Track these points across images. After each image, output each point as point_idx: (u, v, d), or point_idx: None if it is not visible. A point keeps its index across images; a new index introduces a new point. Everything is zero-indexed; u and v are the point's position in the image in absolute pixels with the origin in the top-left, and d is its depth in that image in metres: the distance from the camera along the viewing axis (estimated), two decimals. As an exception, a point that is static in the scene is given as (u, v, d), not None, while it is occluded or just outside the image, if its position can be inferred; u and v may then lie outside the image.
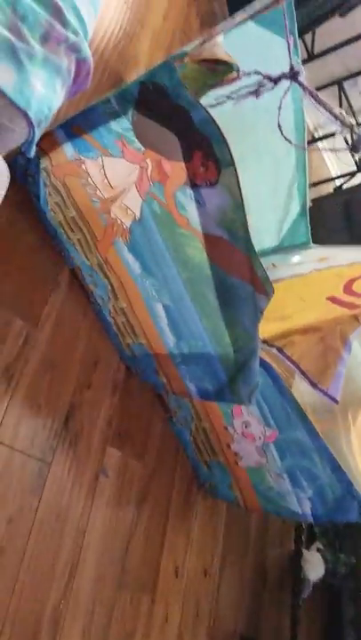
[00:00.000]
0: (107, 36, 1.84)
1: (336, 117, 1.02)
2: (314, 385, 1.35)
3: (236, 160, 1.01)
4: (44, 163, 1.34)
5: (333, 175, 4.15)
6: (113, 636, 1.48)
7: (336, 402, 1.38)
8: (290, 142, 1.28)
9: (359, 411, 1.70)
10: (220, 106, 1.25)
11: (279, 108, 1.15)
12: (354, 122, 1.09)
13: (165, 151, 1.13)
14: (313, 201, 3.07)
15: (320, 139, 3.65)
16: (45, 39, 0.87)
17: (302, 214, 1.78)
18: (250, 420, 1.59)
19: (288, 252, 1.73)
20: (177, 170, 1.12)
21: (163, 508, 1.79)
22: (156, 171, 1.16)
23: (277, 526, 2.54)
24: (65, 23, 0.89)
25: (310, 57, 3.37)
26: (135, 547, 1.62)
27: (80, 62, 0.98)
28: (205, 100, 1.07)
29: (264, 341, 1.36)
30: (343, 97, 3.65)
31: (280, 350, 1.36)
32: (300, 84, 1.04)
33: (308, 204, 1.80)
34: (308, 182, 1.73)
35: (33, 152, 0.99)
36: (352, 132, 1.03)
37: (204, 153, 1.04)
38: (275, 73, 1.11)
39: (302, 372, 1.35)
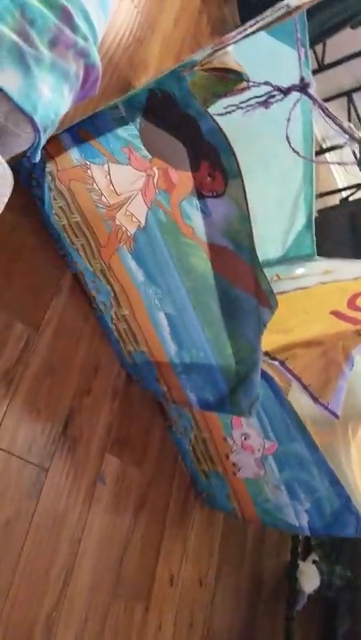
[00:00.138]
0: (116, 40, 1.83)
1: (345, 131, 1.01)
2: (315, 399, 1.35)
3: (244, 169, 1.00)
4: (50, 167, 1.33)
5: (340, 186, 4.14)
6: (105, 645, 1.47)
7: (337, 417, 1.38)
8: (298, 154, 1.27)
9: (359, 425, 1.69)
10: (228, 114, 1.24)
11: (288, 119, 1.14)
12: (362, 135, 1.09)
13: (173, 160, 1.12)
14: (319, 212, 3.06)
15: (327, 150, 3.64)
16: (54, 44, 0.86)
17: (308, 226, 1.77)
18: (249, 432, 1.58)
19: (293, 264, 1.72)
20: (184, 179, 1.12)
21: (160, 516, 1.77)
22: (163, 179, 1.15)
23: (274, 537, 2.52)
24: (74, 28, 0.88)
25: (320, 68, 3.36)
26: (131, 554, 1.61)
27: (89, 68, 0.97)
28: (214, 109, 1.06)
29: (266, 354, 1.35)
30: (352, 108, 3.64)
31: (282, 364, 1.35)
32: (310, 97, 1.04)
33: (315, 214, 1.79)
34: (314, 194, 1.72)
35: (38, 157, 0.98)
36: (360, 146, 1.02)
37: (212, 163, 1.03)
38: (284, 83, 1.10)
39: (304, 386, 1.34)
